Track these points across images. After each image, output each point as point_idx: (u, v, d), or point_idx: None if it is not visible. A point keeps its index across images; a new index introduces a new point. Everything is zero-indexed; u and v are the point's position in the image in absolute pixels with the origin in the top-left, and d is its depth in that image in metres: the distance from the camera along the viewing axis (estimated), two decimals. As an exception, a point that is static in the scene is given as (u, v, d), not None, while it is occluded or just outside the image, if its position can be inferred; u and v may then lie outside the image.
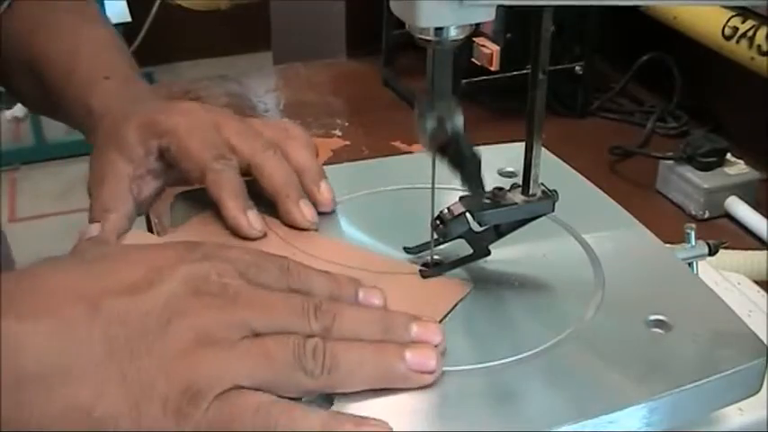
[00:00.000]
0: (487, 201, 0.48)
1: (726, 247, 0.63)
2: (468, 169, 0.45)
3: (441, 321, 0.43)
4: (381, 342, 0.38)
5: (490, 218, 0.48)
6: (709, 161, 0.90)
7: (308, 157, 0.57)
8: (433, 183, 0.48)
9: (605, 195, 0.58)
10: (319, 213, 0.55)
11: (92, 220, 0.52)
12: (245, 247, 0.43)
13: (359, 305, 0.41)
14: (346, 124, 1.13)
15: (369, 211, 0.57)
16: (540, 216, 0.49)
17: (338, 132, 1.10)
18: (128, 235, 0.51)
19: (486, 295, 0.48)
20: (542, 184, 0.49)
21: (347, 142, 1.08)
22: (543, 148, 0.60)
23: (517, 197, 0.49)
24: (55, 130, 2.56)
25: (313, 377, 0.35)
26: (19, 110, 2.58)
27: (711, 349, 0.44)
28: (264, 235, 0.52)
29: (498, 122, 1.07)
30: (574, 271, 0.50)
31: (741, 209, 0.87)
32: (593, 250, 0.52)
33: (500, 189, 0.49)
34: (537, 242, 0.52)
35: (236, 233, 0.51)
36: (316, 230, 0.53)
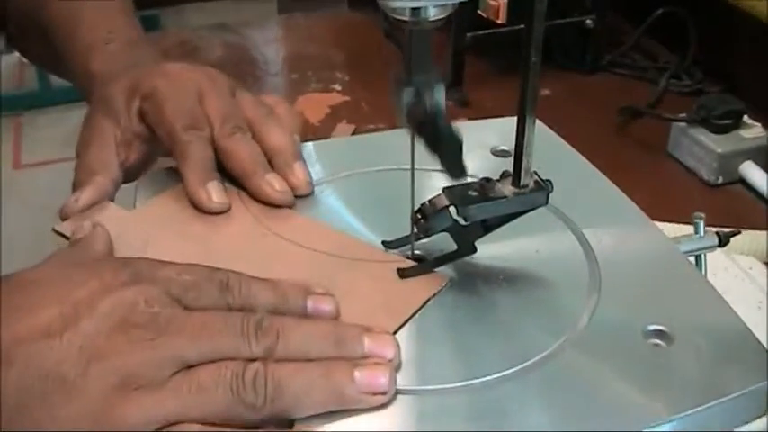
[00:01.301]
0: (474, 193, 0.43)
1: (739, 228, 0.57)
2: (447, 152, 0.40)
3: (410, 319, 0.42)
4: (330, 360, 0.35)
5: (476, 212, 0.43)
6: (725, 123, 0.84)
7: (283, 138, 0.54)
8: (412, 170, 0.44)
9: (609, 182, 0.53)
10: (297, 197, 0.52)
11: (76, 184, 0.50)
12: (184, 263, 0.38)
13: (306, 318, 0.38)
14: (347, 78, 1.07)
15: (351, 194, 0.54)
16: (533, 209, 0.44)
17: (338, 87, 1.05)
18: (102, 211, 0.49)
19: (469, 296, 0.44)
20: (535, 173, 0.44)
21: (347, 98, 1.02)
22: (541, 124, 0.55)
23: (507, 189, 0.44)
24: (59, 75, 2.51)
25: (255, 409, 0.32)
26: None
27: (716, 367, 0.39)
28: (228, 209, 0.50)
29: (505, 78, 1.02)
30: (568, 270, 0.46)
31: (757, 175, 0.82)
32: (591, 246, 0.47)
33: (488, 180, 0.43)
34: (529, 236, 0.47)
35: (197, 208, 0.50)
36: (290, 207, 0.51)
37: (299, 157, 0.54)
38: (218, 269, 0.38)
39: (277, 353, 0.34)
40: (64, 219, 0.49)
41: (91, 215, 0.48)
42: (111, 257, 0.42)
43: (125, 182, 0.53)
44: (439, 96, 0.40)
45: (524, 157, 0.43)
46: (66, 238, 0.47)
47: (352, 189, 0.54)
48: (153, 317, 0.33)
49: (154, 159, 0.56)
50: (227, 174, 0.52)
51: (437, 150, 0.39)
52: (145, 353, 0.32)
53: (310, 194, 0.52)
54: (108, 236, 0.44)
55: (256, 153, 0.52)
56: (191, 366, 0.33)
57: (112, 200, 0.51)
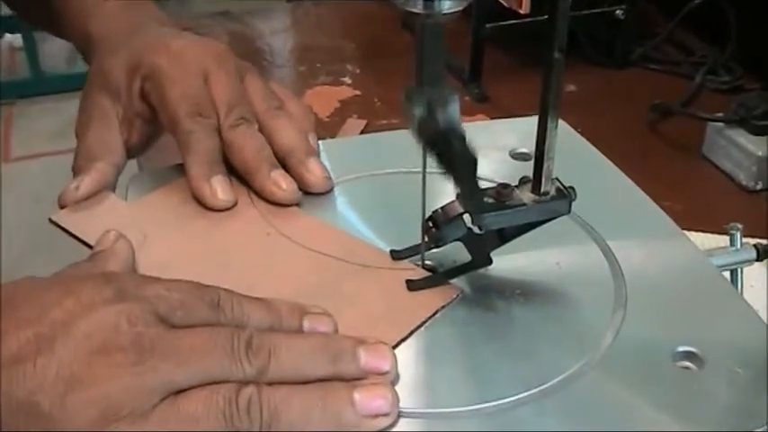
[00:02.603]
0: (490, 200, 0.43)
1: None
2: (460, 172, 0.40)
3: (414, 331, 0.41)
4: (327, 382, 0.35)
5: (492, 221, 0.42)
6: (765, 124, 0.83)
7: (295, 136, 0.54)
8: (423, 174, 0.44)
9: (637, 188, 0.53)
10: (311, 194, 0.52)
11: (77, 169, 0.50)
12: (174, 279, 0.38)
13: (299, 334, 0.38)
14: (357, 71, 1.06)
15: (360, 197, 0.54)
16: (554, 218, 0.43)
17: (348, 80, 1.05)
18: (102, 202, 0.50)
19: (482, 311, 0.43)
20: (557, 179, 0.43)
21: (357, 92, 1.02)
22: (565, 125, 0.54)
23: (526, 195, 0.43)
24: (53, 61, 2.41)
25: None
26: (14, 38, 2.48)
27: (752, 393, 0.38)
28: (234, 204, 0.50)
29: (526, 72, 1.01)
30: (591, 285, 0.45)
31: (801, 181, 0.81)
32: (616, 259, 0.46)
33: (505, 186, 0.43)
34: (549, 247, 0.47)
35: (201, 203, 0.50)
36: (297, 205, 0.51)
37: (315, 152, 0.53)
38: (209, 287, 0.37)
39: (270, 373, 0.34)
40: (62, 207, 0.49)
41: (90, 205, 0.49)
42: (92, 272, 0.41)
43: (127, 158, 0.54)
44: (453, 111, 0.39)
45: (545, 162, 0.42)
46: (63, 229, 0.47)
47: (360, 192, 0.54)
48: (137, 338, 0.33)
49: (156, 138, 0.56)
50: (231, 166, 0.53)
51: (449, 169, 0.39)
52: (128, 379, 0.32)
53: (331, 191, 0.53)
54: (130, 251, 0.44)
55: (262, 147, 0.52)
56: (178, 392, 0.33)
57: (114, 186, 0.52)
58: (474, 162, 0.39)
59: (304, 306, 0.39)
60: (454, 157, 0.39)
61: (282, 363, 0.35)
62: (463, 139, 0.39)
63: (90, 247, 0.45)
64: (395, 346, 0.40)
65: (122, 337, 0.33)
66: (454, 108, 0.39)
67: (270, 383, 0.34)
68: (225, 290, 0.37)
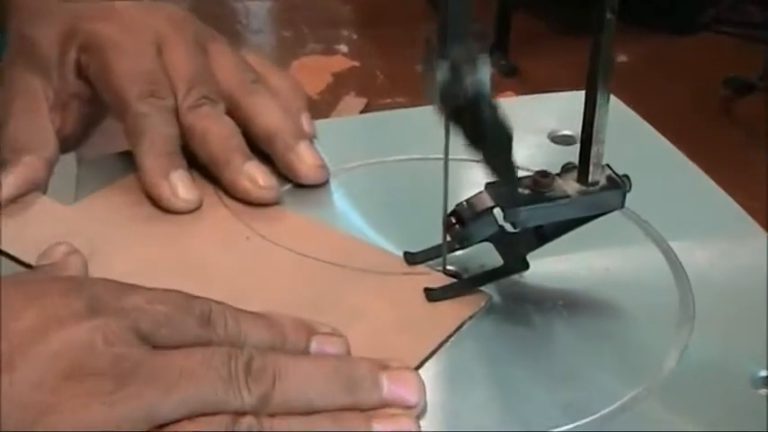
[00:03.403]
0: (526, 191, 0.44)
1: None
2: (493, 148, 0.41)
3: (437, 350, 0.43)
4: (340, 412, 0.36)
5: (529, 217, 0.44)
6: None
7: (280, 115, 0.55)
8: (446, 158, 0.45)
9: (705, 177, 0.54)
10: (302, 186, 0.54)
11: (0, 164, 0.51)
12: (154, 289, 0.39)
13: (308, 356, 0.39)
14: (355, 37, 1.09)
15: (362, 190, 0.55)
16: (604, 214, 0.45)
17: (343, 48, 1.07)
18: (32, 205, 0.50)
19: (516, 326, 0.45)
20: (608, 166, 0.45)
21: (355, 63, 1.04)
22: (617, 102, 0.56)
23: (570, 186, 0.45)
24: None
25: None
26: None
27: None
28: (198, 207, 0.51)
29: (563, 41, 1.03)
30: (650, 295, 0.47)
31: None
32: (681, 264, 0.48)
33: (545, 174, 0.44)
34: (598, 249, 0.48)
35: (157, 204, 0.51)
36: (278, 203, 0.52)
37: (305, 135, 0.55)
38: (198, 298, 0.38)
39: (274, 402, 0.35)
40: None
41: (18, 211, 0.49)
42: (60, 277, 0.42)
43: (61, 152, 0.54)
44: (483, 74, 0.40)
45: (594, 145, 0.44)
46: None
47: (362, 184, 0.55)
48: (115, 360, 0.34)
49: (97, 124, 0.57)
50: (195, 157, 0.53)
51: (479, 145, 0.40)
52: (104, 410, 0.32)
53: (324, 184, 0.54)
54: (85, 269, 0.45)
55: (231, 134, 0.53)
56: (164, 425, 0.34)
57: (46, 185, 0.52)
58: (509, 135, 0.40)
59: (311, 323, 0.40)
60: (485, 128, 0.40)
61: (288, 390, 0.36)
62: (495, 107, 0.40)
63: (24, 265, 0.46)
64: (416, 369, 0.41)
65: (97, 358, 0.34)
66: (484, 71, 0.40)
67: (272, 415, 0.35)
68: (216, 302, 0.39)
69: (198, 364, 0.36)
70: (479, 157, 0.41)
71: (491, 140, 0.40)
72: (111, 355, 0.34)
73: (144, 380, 0.34)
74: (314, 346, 0.40)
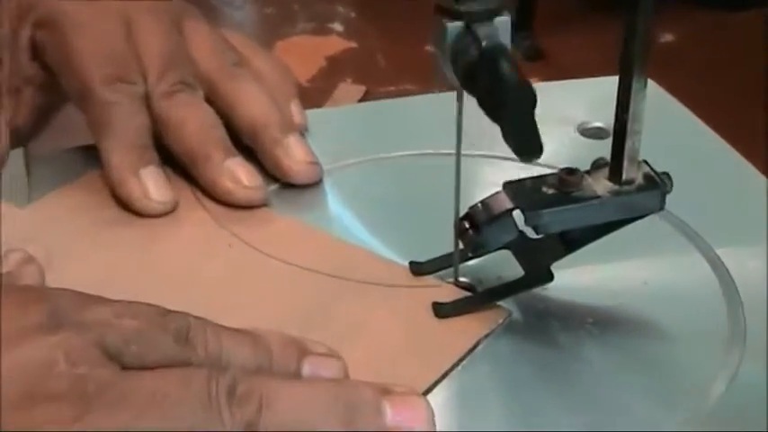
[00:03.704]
0: (550, 191, 0.45)
1: None
2: (514, 116, 0.41)
3: (449, 373, 0.44)
4: None
5: (553, 221, 0.44)
6: None
7: (266, 104, 0.56)
8: (458, 153, 0.46)
9: (760, 176, 0.54)
10: (292, 186, 0.55)
11: None
12: (124, 301, 0.39)
13: (299, 380, 0.40)
14: (352, 15, 1.09)
15: (360, 190, 0.56)
16: (640, 218, 0.46)
17: (338, 28, 1.07)
18: None
19: (539, 347, 0.46)
20: (646, 162, 0.45)
21: (352, 44, 1.05)
22: (657, 88, 0.56)
23: (601, 185, 0.45)
24: None
25: None
26: None
27: None
28: (174, 208, 0.52)
29: (593, 19, 1.03)
30: (694, 311, 0.47)
31: None
32: (730, 275, 0.49)
33: (572, 172, 0.45)
34: (634, 258, 0.49)
35: (125, 206, 0.51)
36: (264, 206, 0.53)
37: (295, 127, 0.56)
38: (174, 312, 0.39)
39: (260, 429, 0.36)
40: None
41: None
42: (15, 286, 0.43)
43: (12, 147, 0.54)
44: (503, 33, 0.41)
45: (629, 138, 0.44)
46: None
47: (361, 184, 0.56)
48: (78, 382, 0.34)
49: (54, 114, 0.58)
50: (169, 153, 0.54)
51: (498, 114, 0.40)
52: None
53: (317, 184, 0.55)
54: (42, 278, 0.45)
55: (212, 125, 0.54)
56: None
57: None
58: (533, 98, 0.41)
59: (303, 342, 0.41)
60: (505, 93, 0.40)
61: (277, 418, 0.36)
62: (515, 64, 0.40)
63: None
64: (424, 393, 0.42)
65: (58, 380, 0.34)
66: (505, 30, 0.41)
67: None
68: (195, 317, 0.39)
69: (173, 386, 0.36)
70: (498, 121, 0.41)
71: (512, 106, 0.41)
72: (74, 375, 0.34)
73: (111, 404, 0.35)
74: (306, 368, 0.40)
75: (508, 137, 0.42)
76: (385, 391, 0.39)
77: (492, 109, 0.41)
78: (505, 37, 0.41)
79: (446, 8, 0.41)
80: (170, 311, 0.39)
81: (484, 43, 0.40)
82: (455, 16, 0.41)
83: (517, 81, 0.40)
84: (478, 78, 0.41)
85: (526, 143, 0.42)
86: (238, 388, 0.36)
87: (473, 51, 0.41)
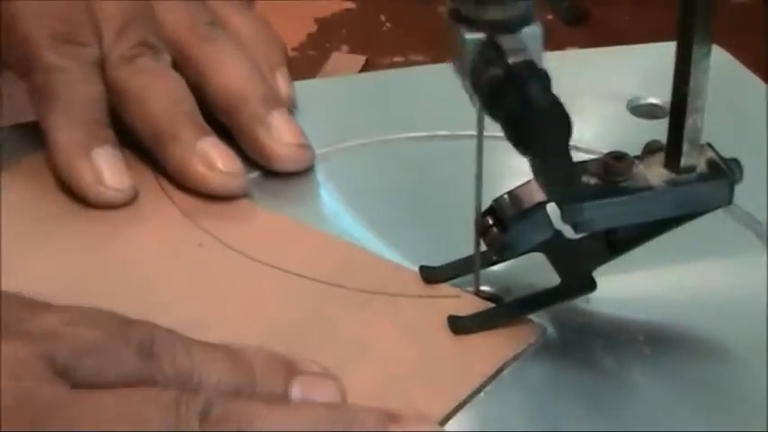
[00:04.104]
0: (592, 180, 0.45)
1: None
2: (543, 145, 0.42)
3: (468, 401, 0.44)
4: None
5: (597, 217, 0.45)
6: None
7: (246, 72, 0.56)
8: (479, 139, 0.46)
9: None
10: (277, 174, 0.55)
11: None
12: (71, 305, 0.40)
13: (287, 404, 0.40)
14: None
15: (360, 178, 0.57)
16: (703, 213, 0.46)
17: (334, -15, 1.08)
18: None
19: (579, 371, 0.46)
20: (710, 146, 0.46)
21: (348, 4, 1.05)
22: (726, 56, 0.57)
23: (655, 173, 0.46)
24: None
25: None
26: None
27: None
28: (134, 197, 0.53)
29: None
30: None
31: None
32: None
33: (619, 157, 0.45)
34: (694, 263, 0.50)
35: (77, 194, 0.52)
36: (245, 197, 0.54)
37: (281, 102, 0.56)
38: (136, 322, 0.39)
39: None
40: None
41: None
42: None
43: None
44: (533, 46, 0.41)
45: (689, 117, 0.45)
46: None
47: (360, 172, 0.57)
48: (22, 400, 0.35)
49: None
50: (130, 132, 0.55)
51: (525, 144, 0.42)
52: None
53: (307, 171, 0.55)
54: None
55: (181, 97, 0.55)
56: None
57: None
58: (566, 124, 0.41)
59: (291, 360, 0.42)
60: (531, 113, 0.41)
61: None
62: (547, 83, 0.41)
63: None
64: (442, 423, 0.42)
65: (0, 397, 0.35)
66: (534, 39, 0.41)
67: None
68: (162, 328, 0.40)
69: (135, 408, 0.37)
70: (526, 153, 0.42)
71: (540, 131, 0.41)
72: (17, 392, 0.35)
73: (60, 427, 0.35)
74: (296, 390, 0.41)
75: (538, 172, 0.43)
76: (391, 418, 0.39)
77: (518, 138, 0.42)
78: (536, 51, 0.41)
79: (465, 16, 0.41)
80: (132, 321, 0.40)
81: (510, 59, 0.41)
82: (476, 25, 0.41)
83: (550, 105, 0.41)
84: (503, 101, 0.41)
85: (559, 180, 0.43)
86: (213, 412, 0.37)
87: (497, 68, 0.41)
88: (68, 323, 0.38)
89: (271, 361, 0.42)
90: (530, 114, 0.41)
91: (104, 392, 0.37)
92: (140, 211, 0.52)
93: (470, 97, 0.43)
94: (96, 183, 0.52)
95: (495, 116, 0.42)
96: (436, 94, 0.60)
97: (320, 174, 0.56)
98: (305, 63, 0.98)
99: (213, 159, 0.53)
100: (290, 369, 0.42)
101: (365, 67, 0.97)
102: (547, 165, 0.42)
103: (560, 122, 0.41)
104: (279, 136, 0.55)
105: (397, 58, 0.99)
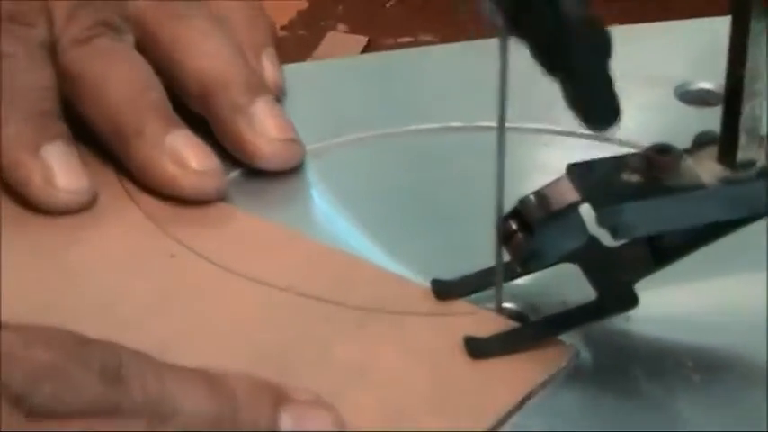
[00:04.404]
0: (634, 178, 0.45)
1: None
2: (577, 65, 0.41)
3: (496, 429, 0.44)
4: None
5: (639, 220, 0.45)
6: None
7: (225, 55, 0.57)
8: (501, 118, 0.46)
9: None
10: (262, 173, 0.55)
11: None
12: (30, 326, 0.40)
13: None
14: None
15: (360, 177, 0.58)
16: (765, 216, 0.46)
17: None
18: None
19: (620, 402, 0.46)
20: (772, 137, 0.46)
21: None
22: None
23: (707, 169, 0.46)
24: None
25: None
26: None
27: None
28: (90, 203, 0.53)
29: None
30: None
31: None
32: None
33: (664, 150, 0.45)
34: (751, 276, 0.50)
35: (23, 198, 0.52)
36: (221, 200, 0.54)
37: (266, 89, 0.57)
38: (99, 342, 0.40)
39: None
40: None
41: None
42: None
43: None
44: None
45: (746, 103, 0.45)
46: None
47: (358, 170, 0.58)
48: None
49: None
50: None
51: (557, 65, 0.41)
52: None
53: (296, 170, 0.56)
54: None
55: (147, 85, 0.55)
56: None
57: None
58: (605, 41, 0.41)
59: (279, 387, 0.42)
60: (563, 28, 0.40)
61: None
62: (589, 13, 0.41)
63: None
64: None
65: None
66: None
67: None
68: (129, 350, 0.40)
69: None
70: (557, 76, 0.41)
71: (576, 47, 0.41)
72: None
73: None
74: (286, 420, 0.41)
75: (571, 97, 0.42)
76: None
77: (548, 58, 0.41)
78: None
79: None
80: (94, 341, 0.40)
81: None
82: None
83: (585, 18, 0.41)
84: (530, 14, 0.41)
85: (596, 106, 0.42)
86: None
87: None
88: (24, 345, 0.39)
89: (255, 387, 0.42)
90: (562, 29, 0.41)
91: (64, 423, 0.37)
92: (100, 217, 0.53)
93: (490, 15, 0.42)
94: (46, 184, 0.52)
95: (521, 33, 0.42)
96: (448, 80, 0.60)
97: (311, 173, 0.57)
98: (295, 44, 0.99)
99: (185, 157, 0.53)
100: (278, 397, 0.42)
101: (366, 50, 0.98)
102: (580, 88, 0.42)
103: (598, 35, 0.41)
104: (263, 129, 0.55)
105: (403, 39, 0.99)
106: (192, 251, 0.51)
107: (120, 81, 0.54)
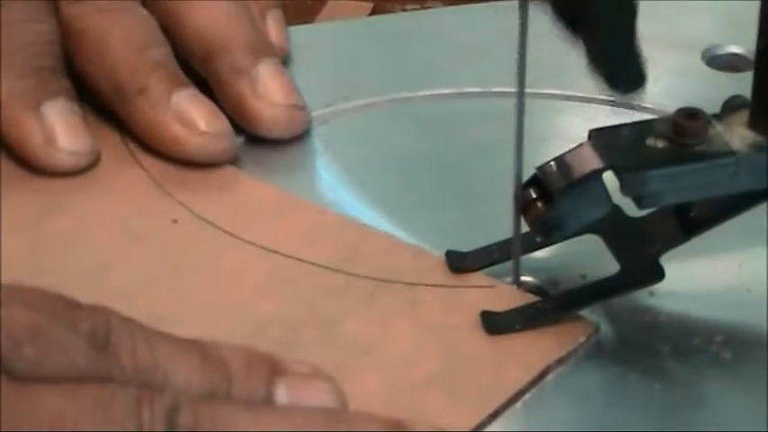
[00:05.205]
0: (660, 144, 0.45)
1: None
2: (601, 24, 0.41)
3: (504, 408, 0.44)
4: None
5: (665, 188, 0.45)
6: None
7: (227, 15, 0.57)
8: (521, 81, 0.46)
9: None
10: (266, 141, 0.56)
11: None
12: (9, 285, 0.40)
13: (271, 408, 0.40)
14: None
15: (369, 145, 0.57)
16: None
17: None
18: None
19: (644, 381, 0.46)
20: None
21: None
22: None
23: (737, 135, 0.46)
24: None
25: None
26: None
27: None
28: (92, 164, 0.53)
29: None
30: None
31: None
32: None
33: (691, 115, 0.45)
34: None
35: (21, 159, 0.53)
36: (232, 164, 0.55)
37: (272, 51, 0.57)
38: (88, 306, 0.40)
39: None
40: None
41: None
42: None
43: None
44: None
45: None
46: None
47: (368, 137, 0.58)
48: None
49: None
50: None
51: (579, 23, 0.41)
52: None
53: (302, 138, 0.56)
54: None
55: (151, 40, 0.55)
56: None
57: None
58: (634, 9, 0.41)
59: (275, 358, 0.42)
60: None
61: None
62: None
63: None
64: None
65: None
66: None
67: None
68: (120, 316, 0.40)
69: (86, 409, 0.37)
70: (580, 35, 0.42)
71: (600, 5, 0.41)
72: None
73: None
74: (281, 392, 0.41)
75: (595, 59, 0.42)
76: (398, 427, 0.40)
77: (571, 16, 0.41)
78: None
79: None
80: (82, 305, 0.40)
81: None
82: None
83: None
84: None
85: (621, 68, 0.42)
86: (180, 416, 0.37)
87: None
88: (4, 304, 0.39)
89: (250, 359, 0.42)
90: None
91: (48, 389, 0.37)
92: (101, 178, 0.53)
93: None
94: (47, 144, 0.52)
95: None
96: (463, 43, 0.60)
97: (318, 140, 0.57)
98: (297, 8, 0.98)
99: (192, 117, 0.53)
100: (274, 368, 0.42)
101: (376, 9, 0.97)
102: (605, 48, 0.42)
103: (627, 6, 0.41)
104: (266, 93, 0.55)
105: (411, 6, 0.98)
106: (196, 216, 0.51)
107: (123, 37, 0.54)
